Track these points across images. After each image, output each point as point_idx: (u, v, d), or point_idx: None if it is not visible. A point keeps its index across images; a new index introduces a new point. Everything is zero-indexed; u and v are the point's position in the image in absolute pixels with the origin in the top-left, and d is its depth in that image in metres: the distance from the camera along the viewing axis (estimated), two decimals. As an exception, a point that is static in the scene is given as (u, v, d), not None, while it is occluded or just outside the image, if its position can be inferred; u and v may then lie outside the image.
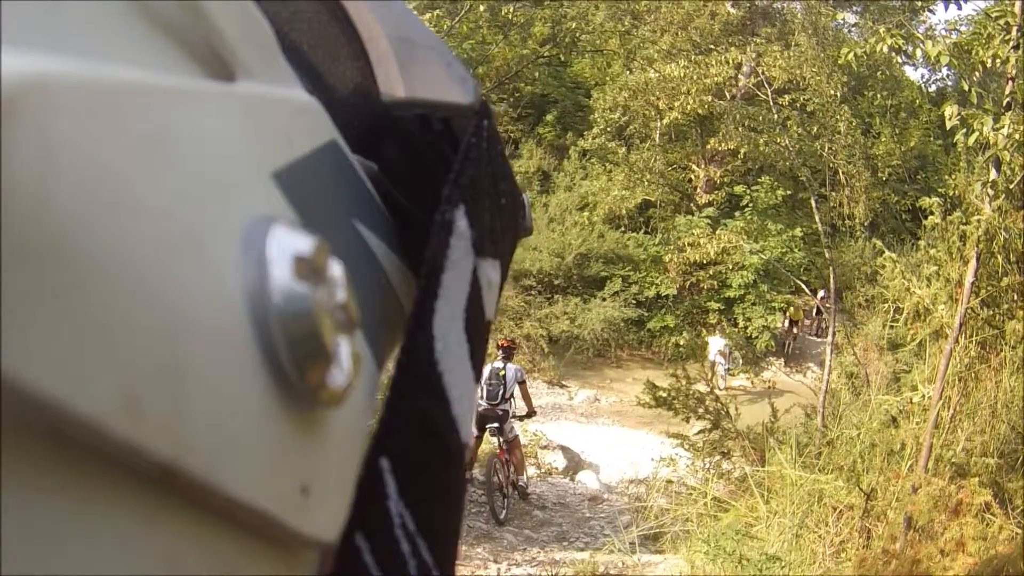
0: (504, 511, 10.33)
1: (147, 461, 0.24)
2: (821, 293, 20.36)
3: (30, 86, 0.21)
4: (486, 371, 10.70)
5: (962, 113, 6.58)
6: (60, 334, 0.21)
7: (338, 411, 0.33)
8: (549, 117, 28.72)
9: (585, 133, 25.83)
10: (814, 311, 22.69)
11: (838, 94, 15.69)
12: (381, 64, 0.52)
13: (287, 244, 0.30)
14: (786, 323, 21.93)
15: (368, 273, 0.44)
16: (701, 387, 11.08)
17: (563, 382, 19.69)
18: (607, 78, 26.52)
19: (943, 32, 11.50)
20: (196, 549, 0.27)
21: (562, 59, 27.52)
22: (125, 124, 0.25)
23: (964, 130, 6.63)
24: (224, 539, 0.28)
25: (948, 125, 6.72)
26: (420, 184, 0.51)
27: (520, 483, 10.99)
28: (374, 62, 0.52)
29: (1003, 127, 6.34)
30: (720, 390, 14.46)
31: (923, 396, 7.53)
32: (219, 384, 0.27)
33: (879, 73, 23.75)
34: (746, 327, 22.11)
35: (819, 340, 21.96)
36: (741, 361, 20.95)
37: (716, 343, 20.76)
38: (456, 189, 0.44)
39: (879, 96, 25.44)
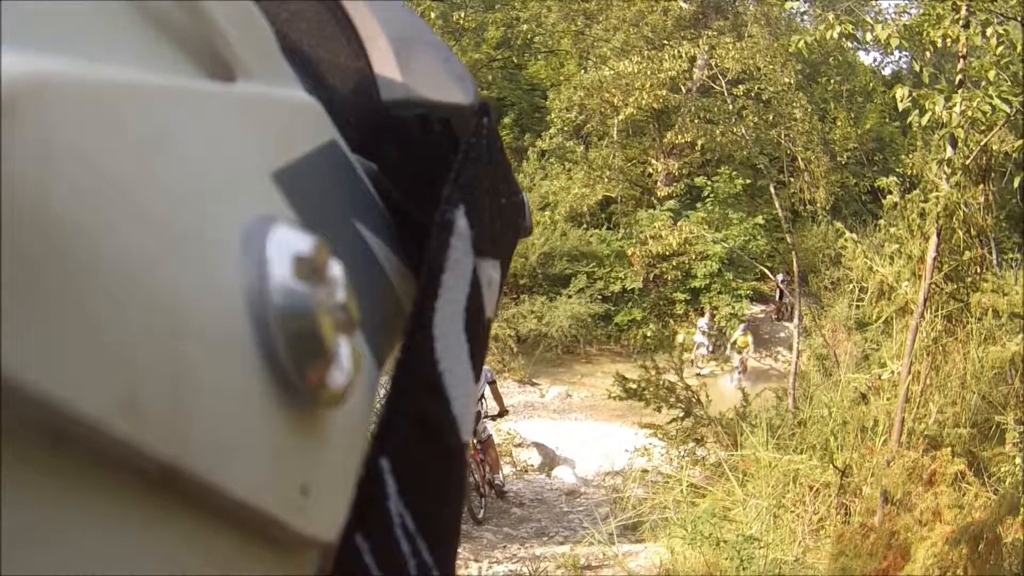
0: (482, 510, 10.38)
1: (147, 461, 0.24)
2: (780, 276, 20.60)
3: (30, 86, 0.21)
4: None
5: (913, 94, 6.68)
6: (60, 334, 0.21)
7: (338, 411, 0.34)
8: (506, 120, 28.74)
9: (543, 134, 25.82)
10: (776, 295, 22.87)
11: (792, 82, 15.79)
12: (381, 64, 0.52)
13: (287, 244, 0.30)
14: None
15: (368, 273, 0.45)
16: (671, 377, 11.14)
17: (534, 380, 19.76)
18: (562, 78, 26.56)
19: (892, 15, 11.62)
20: (196, 549, 0.27)
21: (516, 62, 27.63)
22: (125, 124, 0.25)
23: (916, 111, 6.74)
24: (224, 539, 0.29)
25: (900, 107, 6.82)
26: (420, 184, 0.51)
27: (496, 482, 11.05)
28: (374, 62, 0.52)
29: (955, 105, 6.44)
30: (701, 370, 14.43)
31: (892, 372, 7.63)
32: (219, 384, 0.27)
33: (832, 59, 23.94)
34: (714, 315, 22.22)
35: (785, 324, 22.12)
36: (727, 346, 21.17)
37: (701, 324, 21.15)
38: (456, 189, 0.44)
39: (833, 82, 25.54)
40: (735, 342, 20.01)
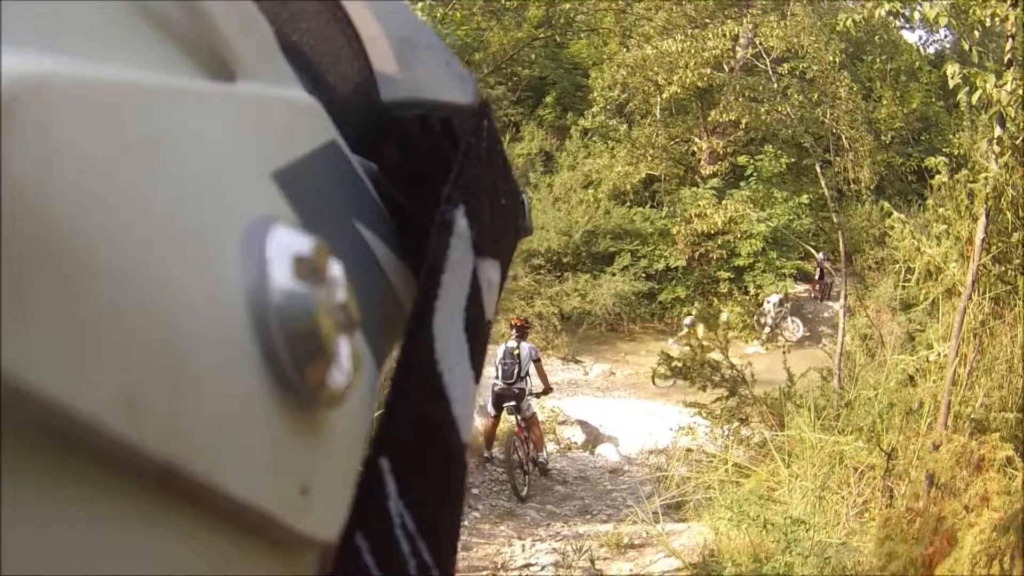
0: (525, 488, 10.36)
1: (147, 461, 0.24)
2: (821, 255, 20.34)
3: (30, 86, 0.21)
4: (500, 351, 10.85)
5: (964, 72, 6.61)
6: (60, 334, 0.21)
7: (338, 411, 0.34)
8: (548, 99, 28.72)
9: (585, 112, 25.85)
10: (817, 275, 22.62)
11: (837, 60, 15.64)
12: (381, 64, 0.52)
13: (287, 244, 0.31)
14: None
15: (368, 273, 0.45)
16: (716, 355, 11.11)
17: (577, 358, 19.76)
18: (604, 57, 26.51)
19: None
20: (195, 549, 0.27)
21: (558, 41, 27.50)
22: (125, 124, 0.25)
23: (966, 88, 6.66)
24: (224, 539, 0.29)
25: (951, 84, 6.75)
26: (420, 184, 0.51)
27: (540, 459, 11.04)
28: (374, 62, 0.52)
29: (1006, 83, 6.37)
30: (780, 345, 14.14)
31: (939, 354, 7.56)
32: (219, 384, 0.27)
33: (877, 37, 23.72)
34: (757, 294, 22.14)
35: (828, 304, 21.90)
36: (802, 326, 20.92)
37: (773, 299, 20.95)
38: (456, 189, 0.44)
39: (878, 60, 25.29)
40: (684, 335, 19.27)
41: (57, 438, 0.22)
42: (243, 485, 0.28)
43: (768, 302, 21.33)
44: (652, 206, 25.29)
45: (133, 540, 0.25)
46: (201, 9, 0.33)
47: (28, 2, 0.24)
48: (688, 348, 15.13)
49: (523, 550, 8.37)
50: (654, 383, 17.84)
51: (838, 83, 15.70)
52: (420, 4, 15.01)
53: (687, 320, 19.07)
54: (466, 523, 9.01)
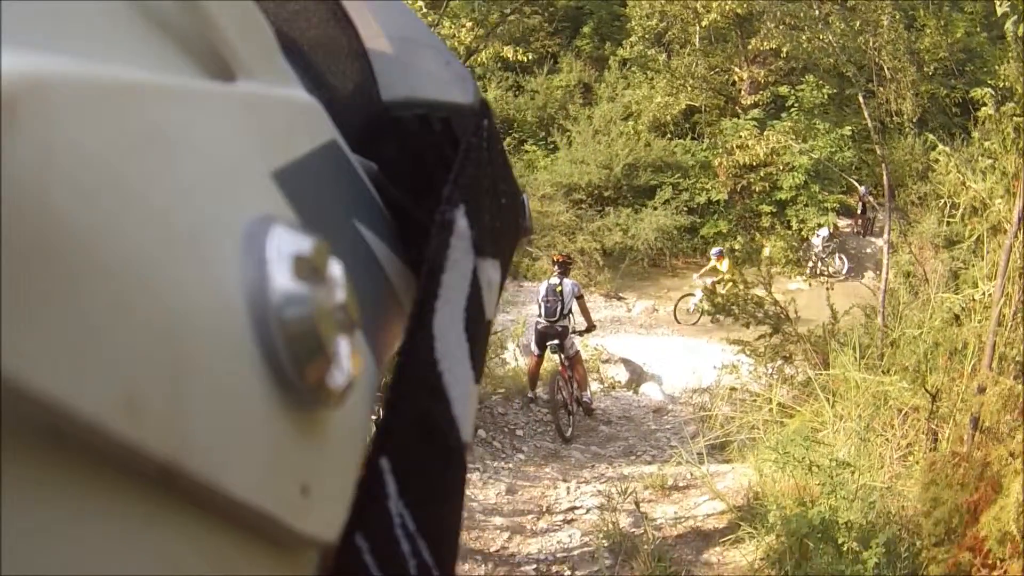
0: (570, 428, 10.34)
1: (147, 461, 0.24)
2: (864, 189, 20.07)
3: (30, 86, 0.21)
4: (542, 288, 10.81)
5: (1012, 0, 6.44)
6: (60, 334, 0.21)
7: (338, 411, 0.34)
8: (585, 29, 28.38)
9: (623, 42, 25.55)
10: (859, 209, 22.33)
11: (879, -14, 15.35)
12: (381, 64, 0.52)
13: (287, 244, 0.31)
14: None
15: (368, 273, 0.45)
16: (759, 291, 11.02)
17: (620, 294, 19.67)
18: (641, -17, 26.07)
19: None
20: (196, 549, 0.27)
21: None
22: (125, 124, 0.25)
23: (1014, 18, 6.49)
24: (224, 539, 0.29)
25: (999, 12, 6.58)
26: (420, 184, 0.51)
27: (584, 399, 11.01)
28: (374, 62, 0.52)
29: (1056, 12, 6.21)
30: (823, 281, 13.89)
31: (984, 293, 7.47)
32: (219, 384, 0.27)
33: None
34: (800, 229, 21.91)
35: (871, 239, 21.71)
36: (847, 261, 20.87)
37: (822, 232, 20.74)
38: (456, 189, 0.44)
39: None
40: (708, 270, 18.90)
41: (57, 438, 0.22)
42: (243, 485, 0.28)
43: (817, 236, 21.07)
44: (693, 138, 24.97)
45: (133, 540, 0.25)
46: (201, 9, 0.33)
47: (28, 2, 0.24)
48: (710, 282, 15.09)
49: (568, 492, 8.39)
50: (676, 319, 17.86)
51: (880, 11, 15.39)
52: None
53: (713, 252, 18.85)
54: (511, 465, 9.11)
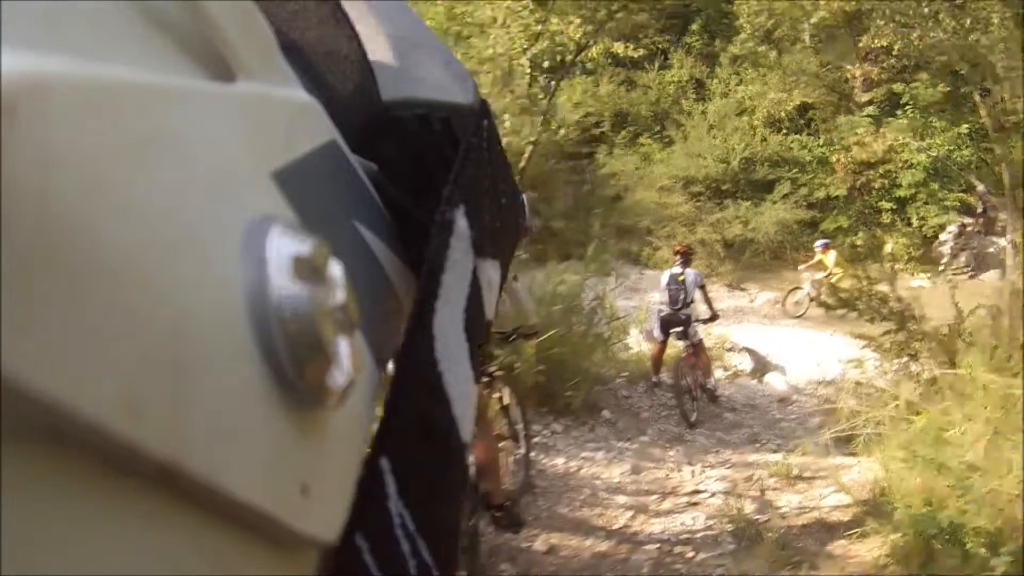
0: (695, 413, 10.29)
1: (147, 461, 0.24)
2: (982, 188, 19.47)
3: (30, 86, 0.21)
4: (665, 277, 10.85)
5: None
6: (60, 335, 0.21)
7: (338, 411, 0.33)
8: (694, 26, 27.94)
9: (733, 39, 25.30)
10: (979, 208, 21.77)
11: (987, -17, 14.90)
12: (381, 64, 0.52)
13: (286, 245, 0.30)
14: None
15: (368, 273, 0.44)
16: (883, 287, 10.85)
17: (742, 285, 19.46)
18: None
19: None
20: (196, 549, 0.27)
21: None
22: (125, 124, 0.25)
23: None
24: (224, 539, 0.29)
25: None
26: (420, 184, 0.50)
27: (708, 385, 11.00)
28: (374, 62, 0.51)
29: None
30: (949, 279, 13.50)
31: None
32: (219, 385, 0.27)
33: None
34: (921, 227, 21.50)
35: (993, 239, 21.15)
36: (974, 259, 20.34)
37: (952, 229, 20.37)
38: (456, 189, 0.44)
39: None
40: (814, 263, 18.50)
41: (58, 438, 0.22)
42: (243, 485, 0.28)
43: (947, 232, 20.66)
44: (808, 134, 24.49)
45: (134, 540, 0.25)
46: (201, 9, 0.33)
47: (28, 2, 0.24)
48: (820, 276, 14.79)
49: (692, 475, 8.30)
50: (784, 308, 17.52)
51: (990, 8, 14.97)
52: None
53: (818, 244, 18.58)
54: (635, 446, 9.04)
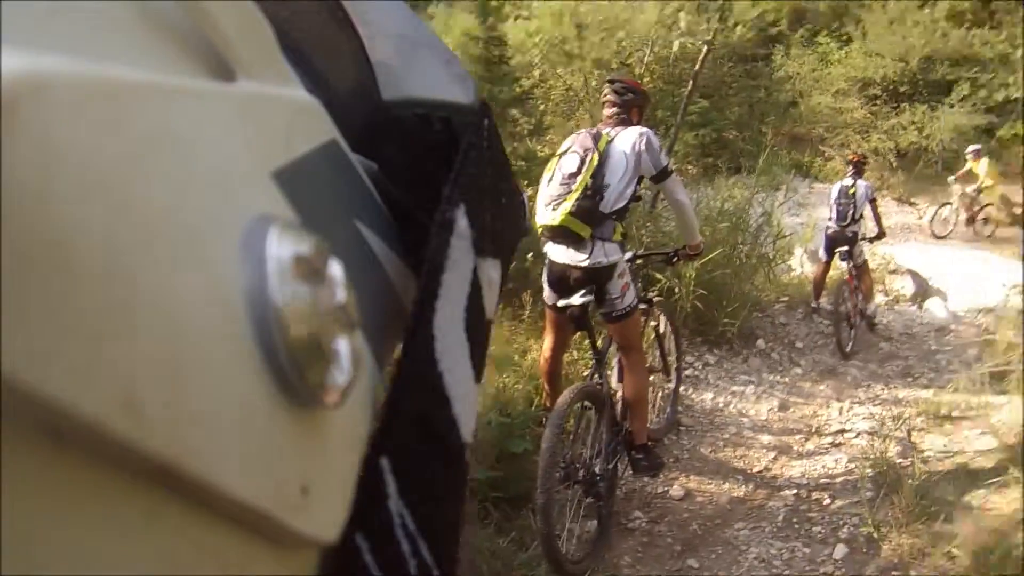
0: (851, 343, 9.95)
1: (147, 461, 0.24)
2: None
3: (30, 86, 0.21)
4: (835, 190, 10.40)
5: None
6: (60, 334, 0.21)
7: (338, 411, 0.33)
8: None
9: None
10: None
11: None
12: (381, 64, 0.52)
13: (286, 244, 0.30)
14: None
15: (368, 273, 0.44)
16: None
17: (912, 199, 18.58)
18: None
19: None
20: (196, 549, 0.27)
21: None
22: (125, 124, 0.25)
23: None
24: (224, 539, 0.29)
25: None
26: (420, 183, 0.50)
27: (868, 311, 10.64)
28: (374, 62, 0.52)
29: None
30: None
31: None
32: (219, 384, 0.27)
33: None
34: None
35: None
36: None
37: None
38: (456, 189, 0.44)
39: None
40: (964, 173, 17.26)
41: (58, 438, 0.22)
42: (243, 485, 0.28)
43: None
44: (991, 27, 22.94)
45: (134, 540, 0.25)
46: (201, 9, 0.33)
47: (28, 2, 0.25)
48: (970, 189, 13.86)
49: (840, 413, 8.11)
50: (932, 232, 16.51)
51: None
52: None
53: (969, 150, 17.51)
54: (787, 379, 8.83)
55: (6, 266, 0.20)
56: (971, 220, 16.59)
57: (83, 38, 0.26)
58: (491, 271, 0.49)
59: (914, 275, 13.21)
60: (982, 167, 16.61)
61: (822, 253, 10.62)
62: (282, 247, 0.30)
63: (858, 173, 10.52)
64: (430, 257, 0.42)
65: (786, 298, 10.88)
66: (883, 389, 9.05)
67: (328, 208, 0.42)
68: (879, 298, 11.79)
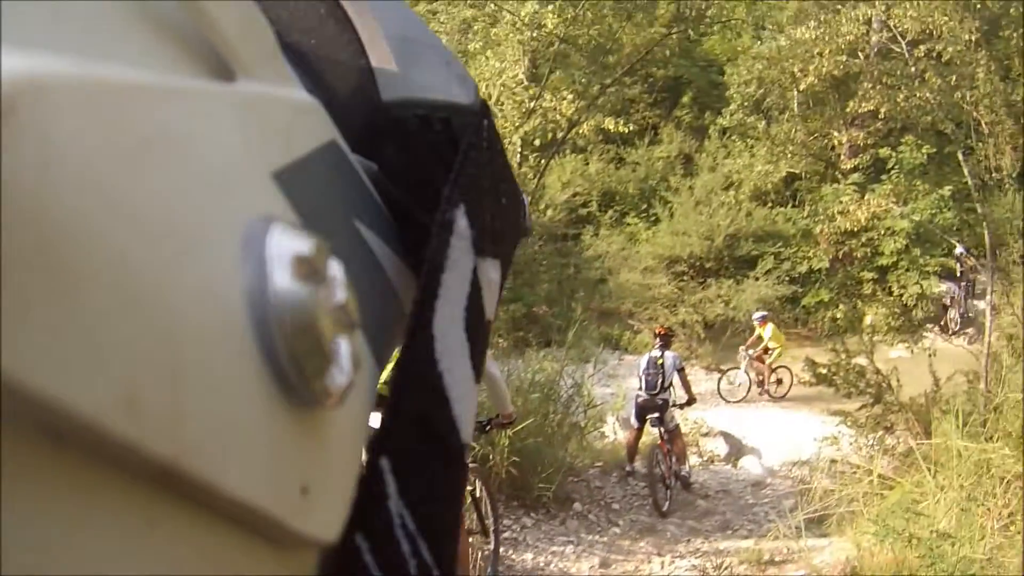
0: (667, 502, 10.25)
1: (147, 461, 0.24)
2: (959, 249, 19.06)
3: (30, 86, 0.21)
4: (643, 361, 10.91)
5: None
6: (60, 334, 0.21)
7: (338, 411, 0.33)
8: (685, 99, 28.38)
9: (722, 111, 25.39)
10: (959, 271, 21.53)
11: (973, 39, 15.05)
12: (381, 64, 0.52)
13: (287, 244, 0.30)
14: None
15: (368, 273, 0.45)
16: (861, 360, 10.81)
17: (721, 367, 19.18)
18: (738, 51, 25.96)
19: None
20: (196, 549, 0.27)
21: (691, 37, 27.18)
22: (124, 124, 0.25)
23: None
24: (224, 539, 0.29)
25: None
26: (420, 184, 0.51)
27: (682, 473, 10.94)
28: (374, 62, 0.52)
29: None
30: (926, 348, 13.11)
31: (1091, 352, 7.17)
32: (219, 384, 0.27)
33: (1012, 9, 22.64)
34: (901, 295, 21.31)
35: (973, 302, 20.87)
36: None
37: (951, 287, 20.25)
38: (456, 189, 0.44)
39: (1016, 35, 24.07)
40: (754, 339, 18.11)
41: (57, 438, 0.22)
42: (243, 485, 0.28)
43: (947, 295, 20.44)
44: (794, 206, 24.61)
45: (133, 540, 0.25)
46: (201, 9, 0.33)
47: (28, 2, 0.24)
48: (752, 353, 14.56)
49: (662, 567, 8.33)
50: (720, 395, 17.14)
51: (976, 63, 15.08)
52: (551, 6, 14.99)
53: (755, 316, 18.42)
54: (605, 539, 9.11)
55: (6, 266, 0.20)
56: (761, 383, 17.39)
57: (83, 38, 0.27)
58: (491, 271, 0.48)
59: (727, 436, 13.78)
60: (767, 332, 17.38)
61: (633, 420, 11.02)
62: (282, 247, 0.31)
63: (665, 345, 11.09)
64: (430, 257, 0.42)
65: (601, 463, 11.26)
66: (703, 542, 9.32)
67: (328, 209, 0.41)
68: (693, 459, 12.30)
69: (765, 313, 18.42)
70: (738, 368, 17.81)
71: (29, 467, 0.21)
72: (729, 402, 16.90)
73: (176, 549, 0.26)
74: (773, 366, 17.61)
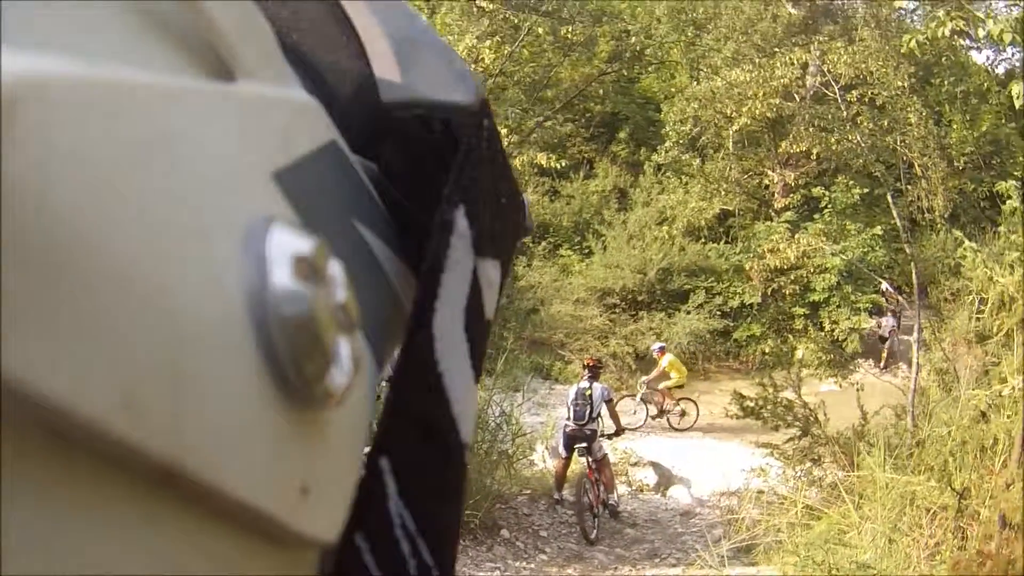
0: (595, 531, 10.31)
1: (147, 461, 0.24)
2: (884, 285, 19.63)
3: (30, 86, 0.21)
4: (572, 392, 11.03)
5: (1031, 90, 6.39)
6: (60, 335, 0.21)
7: (338, 411, 0.33)
8: (621, 134, 28.73)
9: (658, 148, 25.64)
10: (888, 308, 21.93)
11: (906, 85, 15.40)
12: (381, 64, 0.51)
13: (287, 244, 0.30)
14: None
15: (368, 273, 0.44)
16: (789, 394, 10.91)
17: (652, 399, 19.33)
18: (674, 90, 26.40)
19: (1004, 9, 11.12)
20: (196, 549, 0.27)
21: (628, 75, 27.51)
22: (124, 124, 0.25)
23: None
24: (224, 539, 0.28)
25: (1018, 105, 6.53)
26: (420, 184, 0.50)
27: (611, 502, 11.02)
28: (374, 62, 0.51)
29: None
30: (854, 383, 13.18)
31: (1013, 388, 7.29)
32: (219, 384, 0.27)
33: (944, 59, 23.23)
34: (832, 330, 21.64)
35: (903, 337, 21.24)
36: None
37: (888, 321, 20.48)
38: (456, 189, 0.44)
39: (947, 83, 24.64)
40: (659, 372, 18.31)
41: (57, 438, 0.22)
42: (243, 485, 0.28)
43: (885, 329, 20.82)
44: (727, 242, 25.09)
45: (134, 540, 0.25)
46: (201, 9, 0.33)
47: (28, 2, 0.24)
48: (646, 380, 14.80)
49: None
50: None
51: (908, 108, 15.42)
52: (488, 42, 15.02)
53: (654, 347, 18.86)
54: (532, 565, 9.19)
55: (6, 266, 0.20)
56: (661, 413, 17.73)
57: (83, 38, 0.27)
58: (491, 272, 0.48)
59: (656, 466, 13.85)
60: (664, 361, 17.79)
61: (562, 450, 11.11)
62: (282, 247, 0.31)
63: (594, 376, 11.23)
64: (430, 257, 0.42)
65: (529, 491, 11.34)
66: (631, 570, 9.55)
67: (328, 209, 0.41)
68: (622, 488, 12.43)
69: (663, 344, 18.88)
70: (634, 396, 17.97)
71: (30, 467, 0.21)
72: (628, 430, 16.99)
73: (176, 549, 0.26)
74: (676, 398, 17.85)
